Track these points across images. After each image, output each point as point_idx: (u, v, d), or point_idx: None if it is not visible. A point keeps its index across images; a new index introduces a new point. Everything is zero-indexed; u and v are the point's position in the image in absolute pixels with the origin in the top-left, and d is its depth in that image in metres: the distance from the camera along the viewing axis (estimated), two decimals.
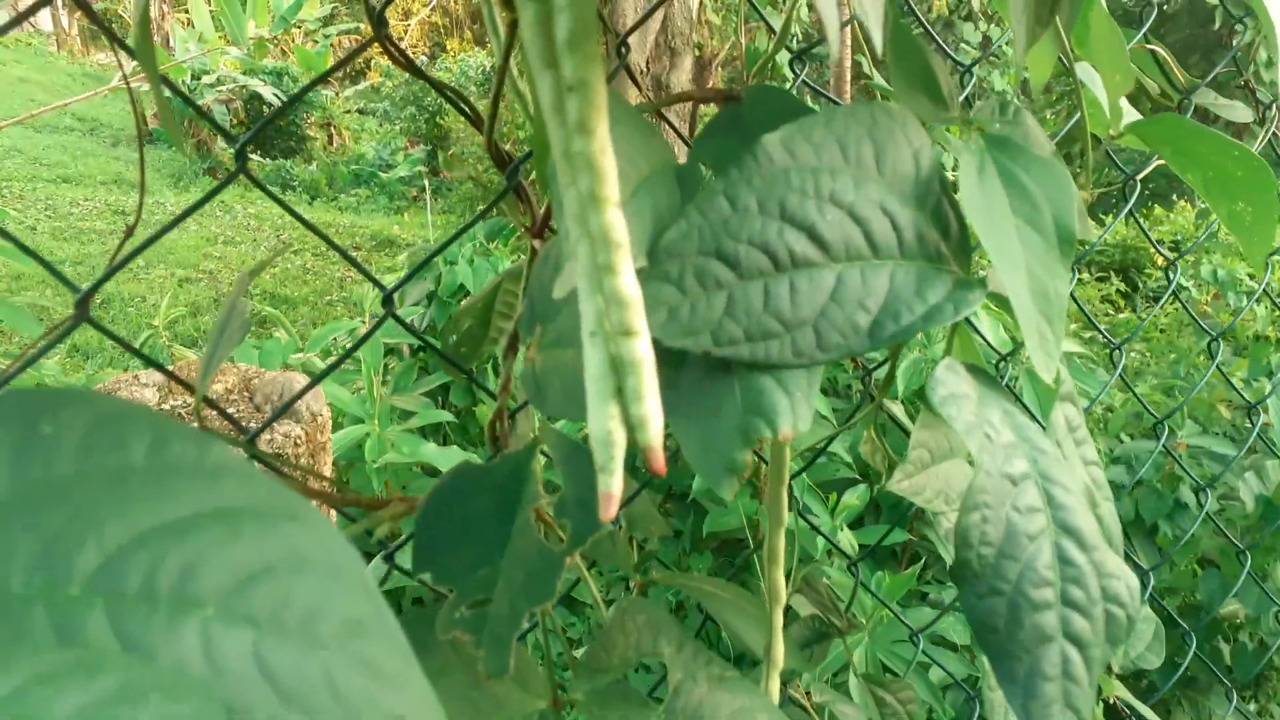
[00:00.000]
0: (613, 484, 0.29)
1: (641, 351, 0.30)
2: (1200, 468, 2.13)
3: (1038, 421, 0.43)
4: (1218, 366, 1.06)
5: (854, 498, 2.09)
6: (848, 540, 2.02)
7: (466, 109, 0.51)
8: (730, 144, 0.43)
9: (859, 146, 0.38)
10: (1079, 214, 0.40)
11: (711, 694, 0.50)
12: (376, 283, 0.63)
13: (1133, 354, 3.43)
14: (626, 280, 0.30)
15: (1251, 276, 3.76)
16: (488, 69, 8.19)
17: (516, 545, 0.42)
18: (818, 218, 0.37)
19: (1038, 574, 0.36)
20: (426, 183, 6.34)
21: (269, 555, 0.26)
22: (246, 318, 0.45)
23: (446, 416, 2.86)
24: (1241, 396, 1.42)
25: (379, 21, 0.47)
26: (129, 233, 0.44)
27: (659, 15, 3.50)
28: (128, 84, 0.53)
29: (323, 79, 0.49)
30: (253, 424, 1.08)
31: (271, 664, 0.24)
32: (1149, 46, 0.68)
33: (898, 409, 0.62)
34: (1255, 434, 1.19)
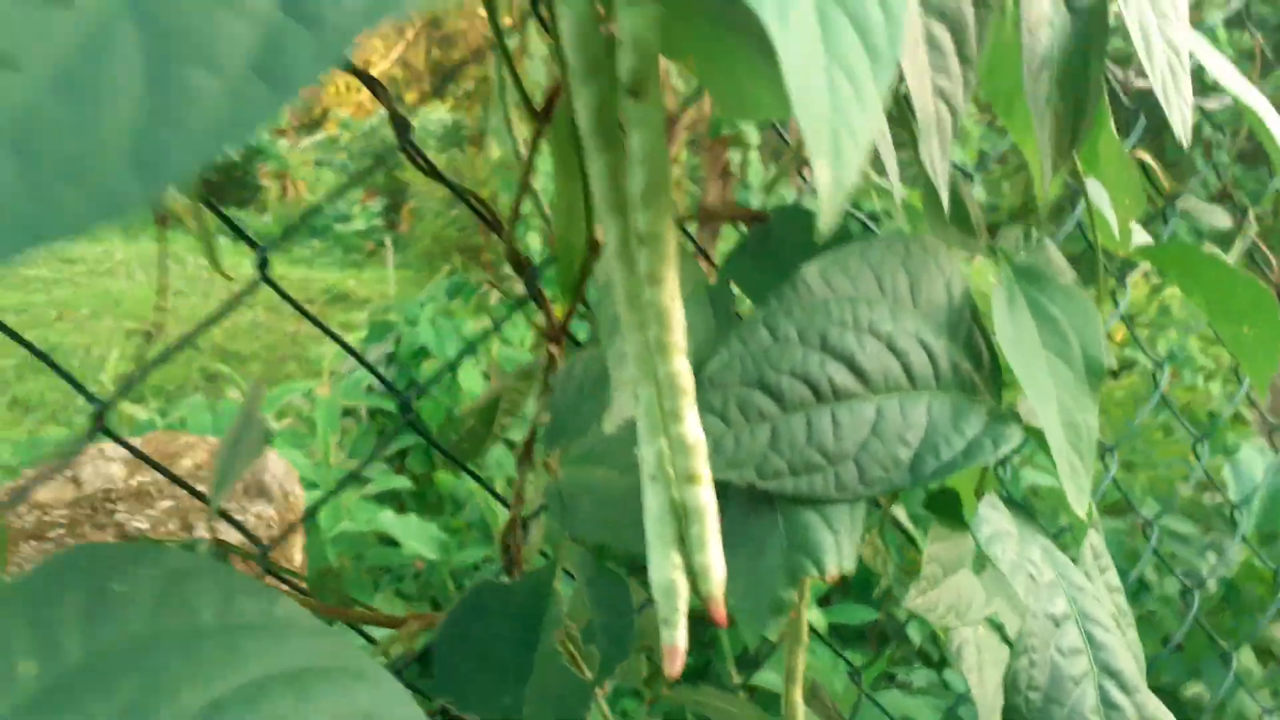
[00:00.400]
0: (677, 637, 0.29)
1: (705, 498, 0.30)
2: (1162, 546, 2.17)
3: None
4: (1202, 465, 1.09)
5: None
6: (818, 619, 2.02)
7: (487, 215, 0.51)
8: (761, 265, 0.44)
9: (894, 277, 0.39)
10: (1104, 343, 0.41)
11: None
12: (347, 346, 0.62)
13: None
14: (691, 426, 0.30)
15: (1205, 348, 3.86)
16: (448, 124, 8.22)
17: (542, 673, 0.41)
18: (857, 349, 0.37)
19: (1083, 718, 0.37)
20: (387, 238, 6.32)
21: (340, 716, 0.25)
22: (263, 429, 0.45)
23: (405, 483, 2.82)
24: (1221, 493, 1.45)
25: (403, 127, 0.47)
26: (149, 335, 0.44)
27: None
28: None
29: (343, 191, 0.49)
30: (229, 505, 1.05)
31: None
32: (1136, 154, 0.71)
33: (899, 510, 0.63)
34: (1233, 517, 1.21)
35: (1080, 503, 0.37)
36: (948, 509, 0.55)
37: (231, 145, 0.16)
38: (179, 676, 0.24)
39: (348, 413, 3.13)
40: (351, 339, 4.56)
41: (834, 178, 0.16)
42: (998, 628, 0.50)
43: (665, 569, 0.30)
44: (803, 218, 0.45)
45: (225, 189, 8.53)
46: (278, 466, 1.14)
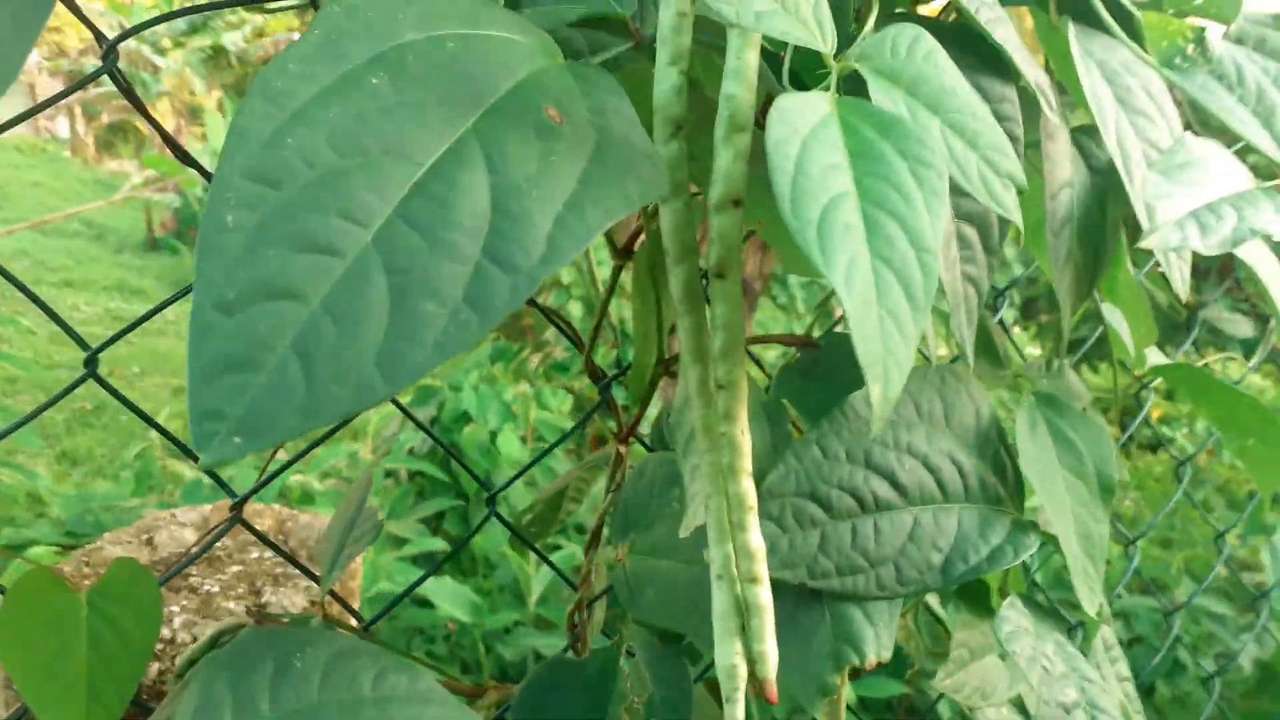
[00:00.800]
0: (737, 712, 0.35)
1: (764, 598, 0.35)
2: (1197, 626, 2.16)
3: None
4: (1226, 544, 1.12)
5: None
6: (848, 691, 2.03)
7: (569, 333, 0.57)
8: (811, 385, 0.50)
9: (931, 403, 0.44)
10: (1115, 461, 0.46)
11: None
12: (411, 416, 0.68)
13: (1126, 502, 3.48)
14: (754, 536, 0.36)
15: None
16: None
17: None
18: (897, 466, 0.43)
19: None
20: None
21: None
22: (378, 520, 0.51)
23: (441, 545, 2.87)
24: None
25: None
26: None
27: None
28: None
29: None
30: (290, 570, 1.11)
31: None
32: (1161, 270, 0.76)
33: (932, 598, 0.68)
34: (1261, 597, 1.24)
35: (1091, 604, 0.42)
36: (975, 599, 0.60)
37: (449, 357, 0.22)
38: None
39: (389, 474, 3.20)
40: (405, 401, 4.64)
41: (884, 395, 0.22)
42: (1021, 710, 0.55)
43: (729, 654, 0.35)
44: (849, 344, 0.51)
45: None
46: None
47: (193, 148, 9.34)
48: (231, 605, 1.10)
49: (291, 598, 1.11)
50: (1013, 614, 0.44)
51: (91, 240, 9.06)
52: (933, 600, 0.68)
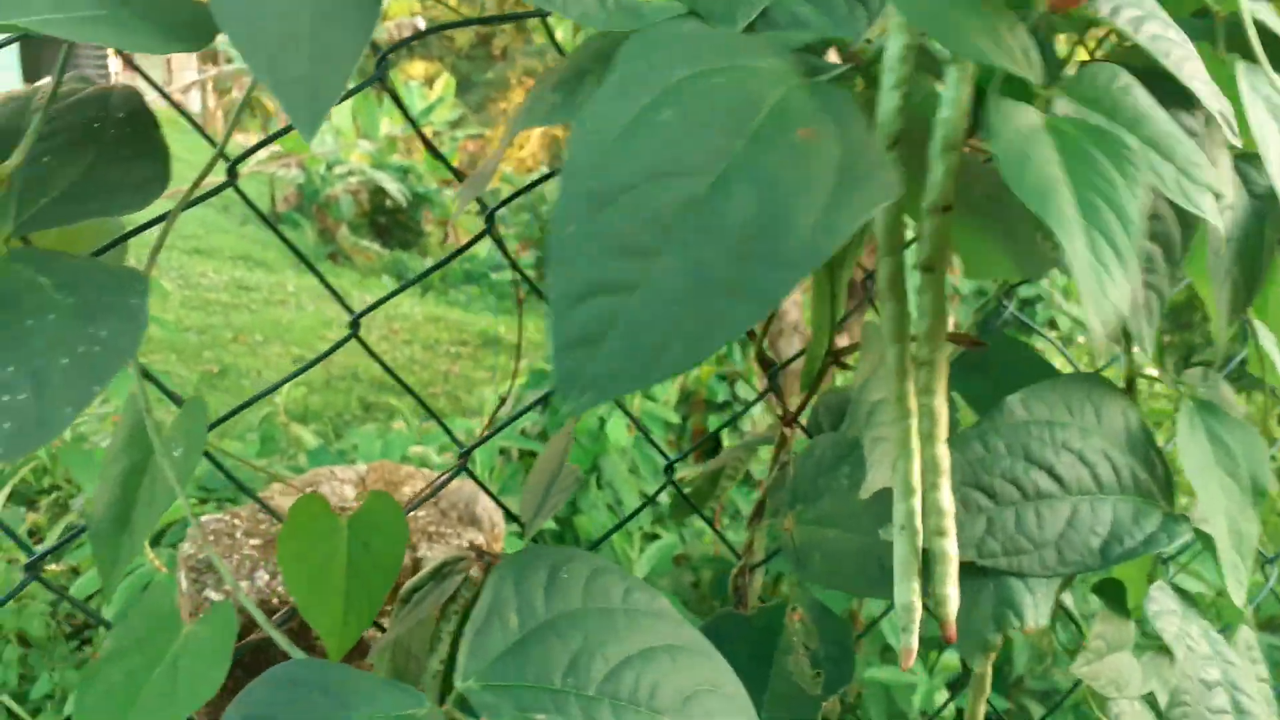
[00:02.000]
0: (913, 641, 0.40)
1: (950, 548, 0.41)
2: None
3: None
4: None
5: (953, 657, 2.11)
6: (943, 700, 2.05)
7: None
8: (974, 381, 0.55)
9: (1082, 407, 0.49)
10: (1267, 468, 0.50)
11: None
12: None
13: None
14: (946, 496, 0.41)
15: None
16: None
17: (776, 686, 0.52)
18: (1054, 460, 0.48)
19: None
20: (535, 287, 6.58)
21: (697, 681, 0.37)
22: (578, 475, 0.57)
23: (549, 524, 2.98)
24: None
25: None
26: (502, 403, 0.57)
27: None
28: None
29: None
30: (442, 527, 1.20)
31: None
32: None
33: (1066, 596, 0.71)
34: None
35: (1239, 594, 0.46)
36: (1114, 596, 0.64)
37: (731, 338, 0.28)
38: (603, 637, 0.36)
39: (501, 452, 3.32)
40: (505, 386, 4.78)
41: (1099, 317, 0.27)
42: (1153, 707, 0.59)
43: (907, 593, 0.40)
44: (1011, 348, 0.56)
45: (391, 232, 9.04)
46: (488, 500, 1.28)
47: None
48: None
49: (444, 553, 1.20)
50: (1162, 595, 0.48)
51: (219, 211, 9.47)
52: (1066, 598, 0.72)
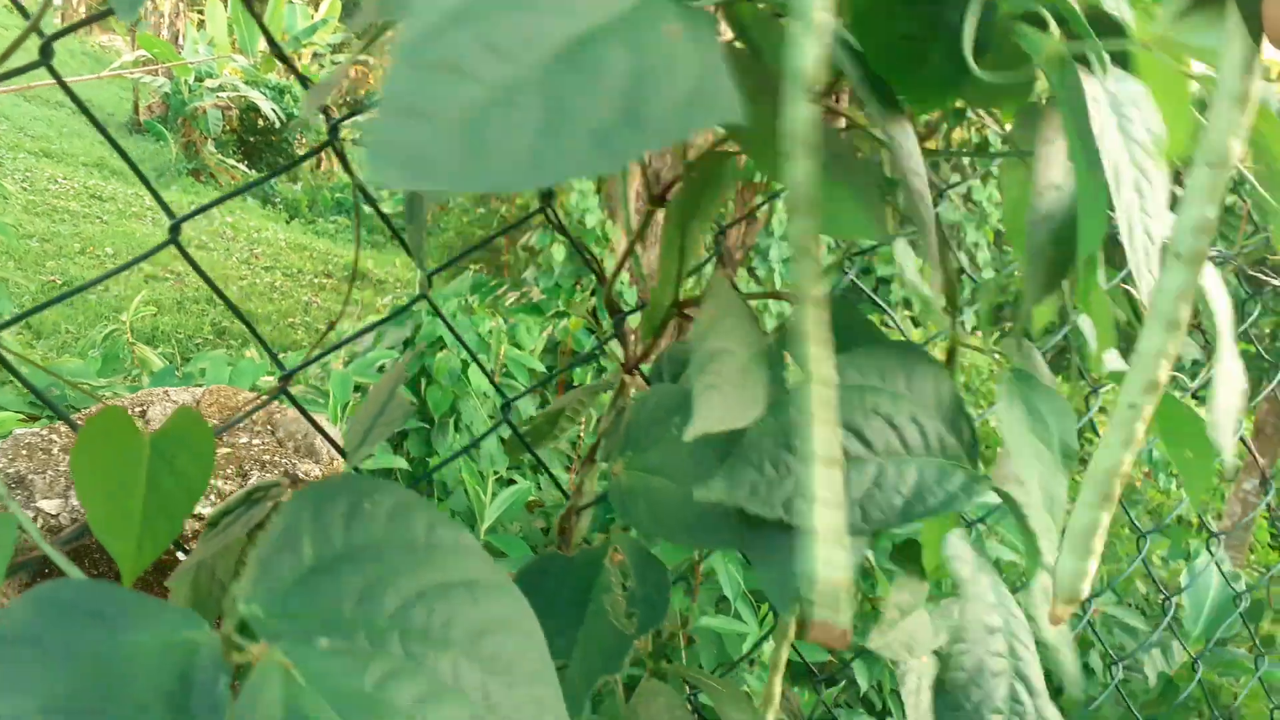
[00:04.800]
0: (842, 619, 0.40)
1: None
2: (1111, 636, 2.27)
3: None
4: (1144, 562, 1.21)
5: None
6: (770, 650, 2.12)
7: (595, 266, 0.63)
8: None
9: (894, 373, 0.51)
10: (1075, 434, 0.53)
11: None
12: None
13: None
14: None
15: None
16: None
17: (591, 624, 0.53)
18: (864, 424, 0.49)
19: (993, 703, 0.48)
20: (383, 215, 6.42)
21: (492, 618, 0.37)
22: (408, 408, 0.56)
23: (401, 464, 2.94)
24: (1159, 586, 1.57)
25: (546, 195, 0.59)
26: (330, 326, 0.55)
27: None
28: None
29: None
30: (277, 457, 1.17)
31: (489, 692, 0.35)
32: (1125, 286, 0.83)
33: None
34: (1168, 617, 1.33)
35: (1050, 552, 0.49)
36: (911, 556, 0.67)
37: (582, 174, 0.27)
38: (400, 570, 0.35)
39: (358, 388, 3.25)
40: (369, 319, 4.67)
41: None
42: (941, 657, 0.62)
43: (829, 565, 0.40)
44: (845, 311, 0.57)
45: (261, 152, 8.66)
46: (330, 431, 1.25)
47: (190, 33, 9.14)
48: (220, 484, 1.16)
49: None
50: (958, 542, 0.51)
51: (74, 114, 8.88)
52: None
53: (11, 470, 1.01)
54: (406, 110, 0.24)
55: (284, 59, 0.60)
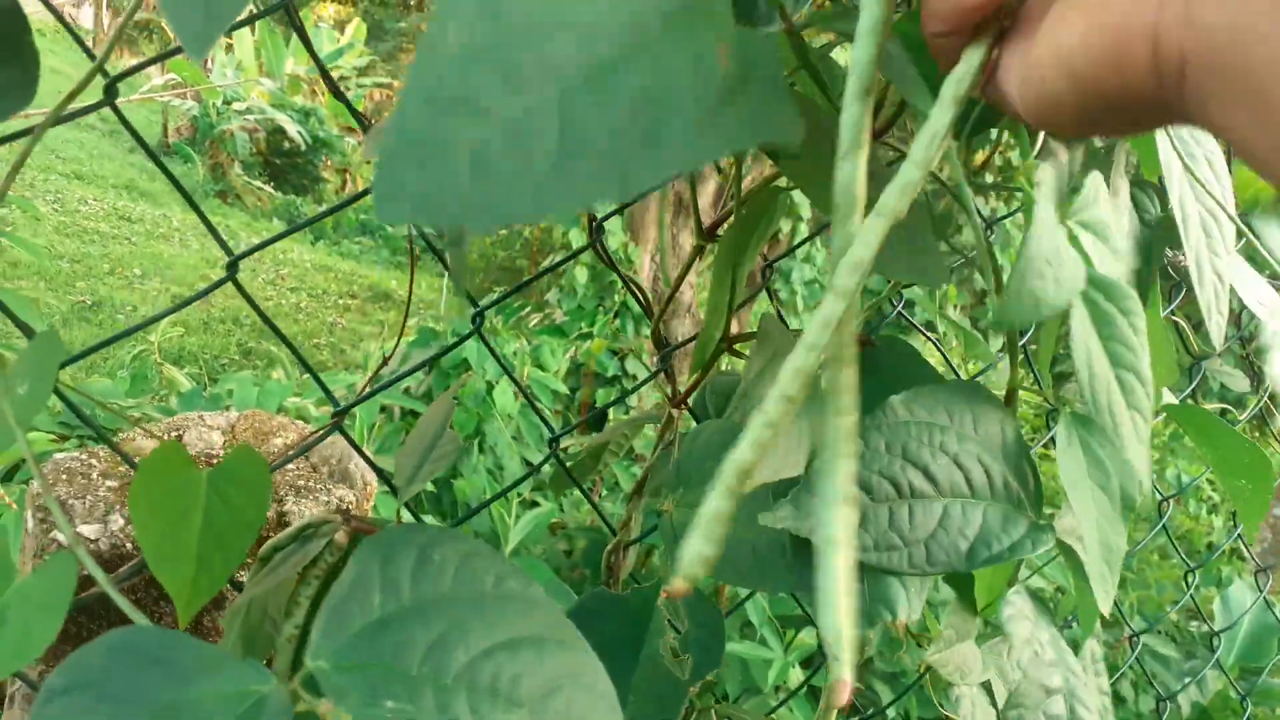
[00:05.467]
0: (844, 672, 0.39)
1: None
2: (1141, 664, 2.23)
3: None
4: (1191, 593, 1.19)
5: (809, 636, 2.17)
6: (798, 678, 2.10)
7: (643, 301, 0.62)
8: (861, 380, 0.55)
9: (961, 413, 0.50)
10: (1138, 482, 0.52)
11: None
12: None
13: None
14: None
15: (1211, 483, 3.93)
16: None
17: (645, 670, 0.52)
18: (930, 461, 0.48)
19: None
20: (433, 245, 6.45)
21: (561, 674, 0.36)
22: (459, 443, 0.56)
23: (426, 486, 2.94)
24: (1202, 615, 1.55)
25: (597, 229, 0.59)
26: (385, 362, 0.55)
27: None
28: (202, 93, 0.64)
29: None
30: (311, 482, 1.16)
31: None
32: (1174, 318, 0.82)
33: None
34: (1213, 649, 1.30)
35: (1106, 604, 0.48)
36: (964, 591, 0.66)
37: (588, 205, 0.26)
38: (469, 624, 0.35)
39: (382, 409, 3.25)
40: (394, 340, 4.69)
41: None
42: (988, 691, 0.61)
43: (835, 617, 0.40)
44: (899, 347, 0.56)
45: (286, 175, 8.73)
46: (360, 459, 1.25)
47: (218, 57, 9.26)
48: None
49: (312, 509, 1.16)
50: (1018, 600, 0.49)
51: (104, 136, 9.00)
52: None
53: (53, 495, 1.01)
54: (416, 148, 0.24)
55: (332, 86, 0.60)
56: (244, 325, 5.78)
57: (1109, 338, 0.49)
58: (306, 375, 4.12)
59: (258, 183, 8.44)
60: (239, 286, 0.56)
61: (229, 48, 9.81)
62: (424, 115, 0.25)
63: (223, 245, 0.56)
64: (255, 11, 0.58)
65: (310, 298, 6.60)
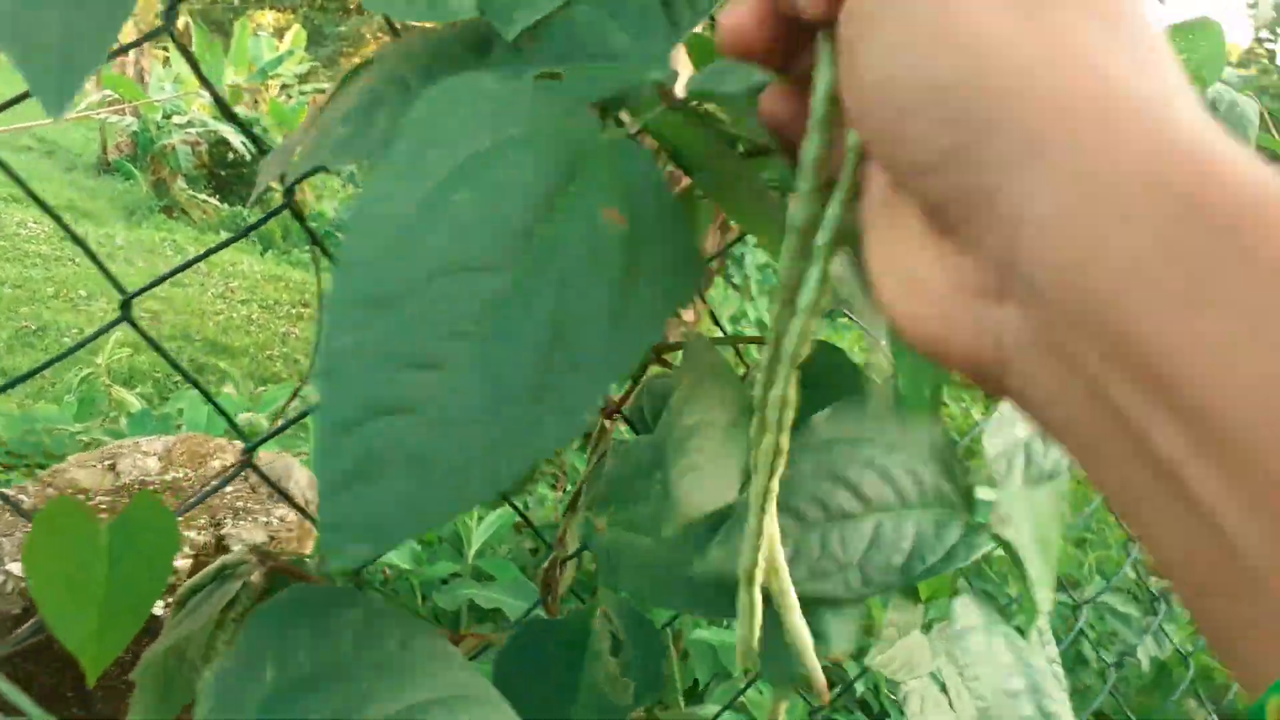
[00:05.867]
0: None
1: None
2: (1103, 623, 2.26)
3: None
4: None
5: None
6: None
7: None
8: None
9: (887, 421, 0.49)
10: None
11: None
12: None
13: None
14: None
15: None
16: None
17: (585, 696, 0.50)
18: (859, 479, 0.47)
19: None
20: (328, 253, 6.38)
21: None
22: None
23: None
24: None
25: None
26: (295, 394, 0.53)
27: None
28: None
29: None
30: (250, 503, 1.14)
31: None
32: None
33: None
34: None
35: (1046, 601, 0.47)
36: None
37: (543, 455, 0.24)
38: (371, 692, 0.33)
39: None
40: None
41: None
42: (938, 680, 0.60)
43: (750, 637, 0.39)
44: (829, 354, 0.55)
45: (232, 185, 8.60)
46: (301, 475, 1.23)
47: (155, 70, 9.09)
48: (193, 535, 1.13)
49: (251, 531, 1.13)
50: (965, 610, 0.49)
51: (42, 156, 8.80)
52: None
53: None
54: (350, 478, 0.23)
55: (224, 108, 0.58)
56: (195, 341, 5.68)
57: None
58: (260, 389, 4.06)
59: (203, 196, 8.30)
60: (134, 325, 0.53)
61: (166, 61, 9.64)
62: (349, 436, 0.23)
63: (116, 285, 0.53)
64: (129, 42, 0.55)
65: (262, 309, 6.50)
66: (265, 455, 1.32)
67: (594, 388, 0.24)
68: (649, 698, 0.49)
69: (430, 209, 0.26)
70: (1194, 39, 0.69)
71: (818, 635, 0.44)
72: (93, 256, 0.52)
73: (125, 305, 0.53)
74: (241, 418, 3.10)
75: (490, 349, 0.24)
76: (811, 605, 0.45)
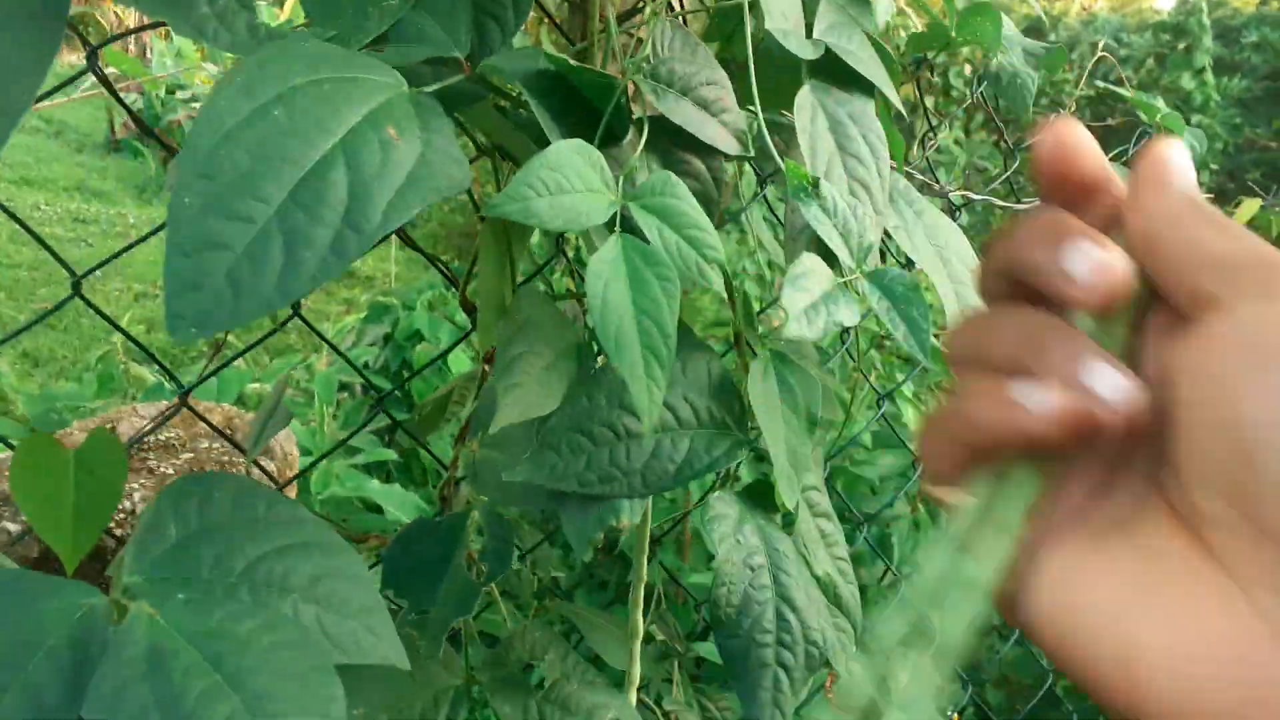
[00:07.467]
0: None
1: None
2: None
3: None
4: None
5: None
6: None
7: (447, 273, 0.75)
8: None
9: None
10: (825, 402, 0.65)
11: (579, 690, 0.73)
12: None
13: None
14: None
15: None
16: None
17: (452, 576, 0.65)
18: None
19: (761, 626, 0.61)
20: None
21: (324, 569, 0.49)
22: (289, 414, 0.68)
23: (391, 455, 3.05)
24: None
25: None
26: (218, 347, 0.67)
27: None
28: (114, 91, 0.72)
29: None
30: (235, 456, 1.29)
31: (324, 624, 0.47)
32: None
33: None
34: None
35: (790, 498, 0.61)
36: (765, 501, 0.79)
37: (319, 284, 0.38)
38: (245, 541, 0.48)
39: (344, 386, 3.37)
40: (353, 318, 4.79)
41: (649, 403, 0.40)
42: (710, 602, 0.74)
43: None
44: None
45: None
46: (285, 431, 1.38)
47: (156, 46, 9.18)
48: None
49: None
50: (719, 504, 0.63)
51: (50, 137, 8.94)
52: None
53: (3, 489, 1.14)
54: (186, 285, 0.36)
55: (130, 113, 0.71)
56: None
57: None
58: (269, 361, 4.22)
59: None
60: (87, 301, 0.67)
61: (167, 35, 9.72)
62: (186, 259, 0.37)
63: (64, 265, 0.67)
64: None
65: None
66: (250, 415, 1.47)
67: (362, 242, 0.38)
68: (498, 574, 0.63)
69: (253, 118, 0.39)
70: (977, 21, 0.81)
71: (611, 514, 0.58)
72: (38, 239, 0.66)
73: (76, 285, 0.67)
74: (249, 388, 3.25)
75: (289, 213, 0.38)
76: (607, 500, 0.59)
